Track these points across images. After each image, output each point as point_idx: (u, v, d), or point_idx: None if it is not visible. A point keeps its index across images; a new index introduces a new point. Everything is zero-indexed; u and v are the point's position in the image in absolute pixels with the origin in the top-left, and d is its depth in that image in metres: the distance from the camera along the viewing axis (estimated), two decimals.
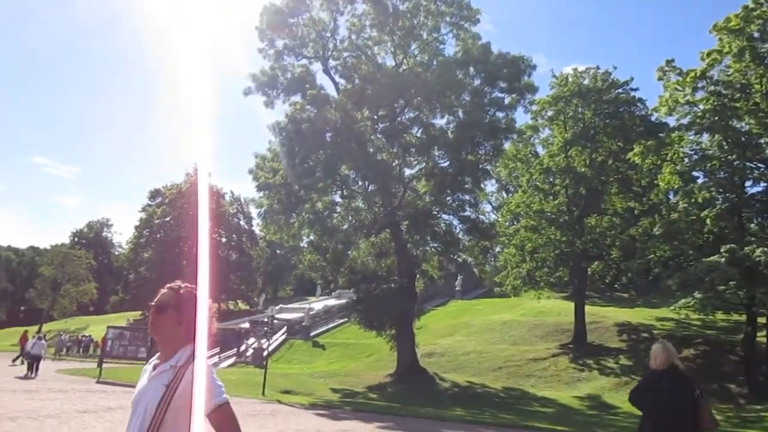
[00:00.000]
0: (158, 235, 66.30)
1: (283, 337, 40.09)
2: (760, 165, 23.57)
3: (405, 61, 26.60)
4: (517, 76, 25.37)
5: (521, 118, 32.32)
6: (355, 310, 26.77)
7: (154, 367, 2.36)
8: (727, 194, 23.40)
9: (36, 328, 49.06)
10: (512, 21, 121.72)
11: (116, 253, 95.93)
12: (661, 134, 26.36)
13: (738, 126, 23.60)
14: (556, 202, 30.57)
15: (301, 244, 30.49)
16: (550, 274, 30.91)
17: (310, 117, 24.72)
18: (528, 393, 23.53)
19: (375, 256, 27.12)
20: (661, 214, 25.71)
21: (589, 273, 32.39)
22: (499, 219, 35.34)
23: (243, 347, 38.13)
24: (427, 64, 26.19)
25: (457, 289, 52.64)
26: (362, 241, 27.29)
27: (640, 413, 5.15)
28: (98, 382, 20.32)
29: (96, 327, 52.14)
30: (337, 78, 27.16)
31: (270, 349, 29.30)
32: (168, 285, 2.45)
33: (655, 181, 26.22)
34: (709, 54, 23.42)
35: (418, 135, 26.66)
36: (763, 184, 24.10)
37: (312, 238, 28.02)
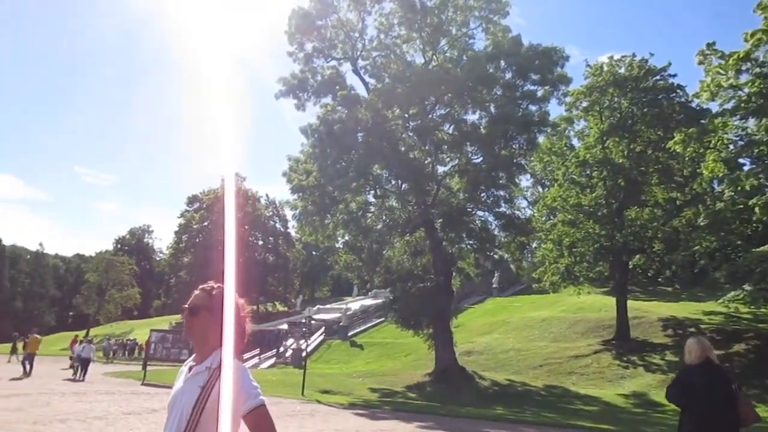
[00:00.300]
0: (197, 240, 67.86)
1: (322, 337, 40.42)
2: None
3: (434, 57, 26.41)
4: (549, 67, 24.88)
5: (555, 110, 31.79)
6: (392, 309, 26.74)
7: (190, 369, 2.35)
8: None
9: (84, 332, 50.75)
10: (542, 13, 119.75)
11: (157, 259, 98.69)
12: (703, 121, 25.35)
13: None
14: (593, 195, 29.79)
15: (337, 245, 30.64)
16: (590, 268, 30.18)
17: (341, 118, 24.81)
18: (570, 391, 23.02)
19: (410, 254, 27.02)
20: (706, 204, 24.78)
21: (630, 267, 31.45)
22: (535, 214, 34.68)
23: (282, 348, 38.60)
24: (456, 59, 25.93)
25: (494, 286, 52.14)
26: (397, 240, 27.25)
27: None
28: (143, 384, 20.85)
29: (140, 330, 53.67)
30: (366, 78, 27.22)
31: (309, 349, 29.55)
32: (201, 286, 2.42)
33: (698, 170, 25.23)
34: (753, 34, 22.35)
35: (450, 132, 26.44)
36: None
37: (347, 238, 28.11)
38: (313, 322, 38.31)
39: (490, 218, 26.91)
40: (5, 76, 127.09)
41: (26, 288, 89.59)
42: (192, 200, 76.30)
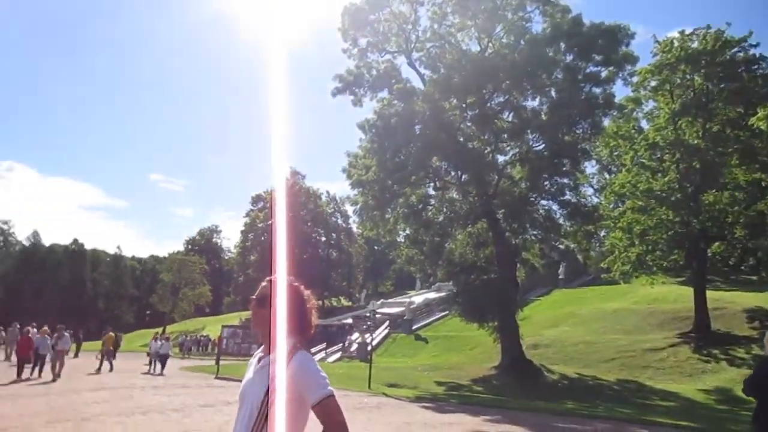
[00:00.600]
0: (262, 238, 69.95)
1: (386, 331, 40.68)
2: None
3: (490, 44, 25.77)
4: (613, 47, 23.72)
5: (621, 91, 30.02)
6: (456, 302, 26.50)
7: (259, 360, 2.38)
8: None
9: (160, 330, 53.47)
10: None
11: (226, 258, 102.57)
12: None
13: None
14: (666, 179, 28.15)
15: (398, 239, 30.63)
16: (664, 257, 28.59)
17: (398, 111, 24.71)
18: (645, 386, 21.96)
19: (473, 246, 26.62)
20: None
21: (709, 255, 29.60)
22: (603, 201, 33.25)
23: (347, 342, 39.15)
24: (513, 45, 25.17)
25: (560, 277, 50.76)
26: (459, 232, 26.92)
27: None
28: (216, 378, 21.68)
29: (212, 327, 55.98)
30: (422, 69, 26.97)
31: (374, 343, 29.83)
32: (268, 278, 2.43)
33: None
34: None
35: (510, 119, 25.79)
36: None
37: (408, 232, 28.02)
38: (377, 316, 38.72)
39: (555, 207, 26.07)
40: (87, 95, 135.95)
41: (107, 289, 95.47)
42: (256, 200, 78.79)
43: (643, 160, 29.01)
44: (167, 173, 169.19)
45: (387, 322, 41.81)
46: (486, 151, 25.84)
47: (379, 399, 16.48)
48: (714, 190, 27.71)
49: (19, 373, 17.38)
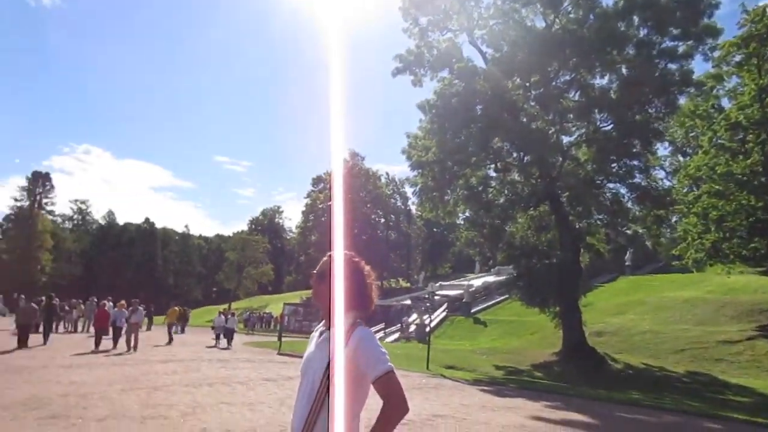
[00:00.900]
0: (323, 219, 71.24)
1: (444, 313, 40.63)
2: None
3: (557, 20, 24.67)
4: (693, 19, 22.14)
5: (700, 67, 28.24)
6: (516, 286, 26.02)
7: (320, 334, 2.38)
8: None
9: (226, 306, 55.81)
10: None
11: (287, 237, 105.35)
12: None
13: None
14: (748, 161, 26.17)
15: (458, 221, 30.29)
16: (742, 245, 26.74)
17: (458, 91, 24.21)
18: (718, 379, 20.81)
19: (534, 230, 25.98)
20: None
21: None
22: (675, 185, 31.45)
23: (405, 323, 39.42)
24: (582, 19, 23.97)
25: (627, 264, 48.87)
26: (520, 215, 26.28)
27: None
28: (278, 353, 22.43)
29: (274, 305, 57.86)
30: (484, 48, 26.22)
31: (432, 325, 29.83)
32: (328, 253, 2.42)
33: None
34: None
35: (576, 98, 24.76)
36: None
37: (468, 214, 27.67)
38: (436, 298, 38.67)
39: (623, 190, 24.96)
40: (155, 83, 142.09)
41: (176, 266, 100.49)
42: (317, 181, 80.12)
43: (723, 141, 27.11)
44: (231, 155, 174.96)
45: (445, 305, 41.72)
46: (550, 132, 24.95)
47: (437, 380, 16.52)
48: None
49: (96, 344, 18.61)
